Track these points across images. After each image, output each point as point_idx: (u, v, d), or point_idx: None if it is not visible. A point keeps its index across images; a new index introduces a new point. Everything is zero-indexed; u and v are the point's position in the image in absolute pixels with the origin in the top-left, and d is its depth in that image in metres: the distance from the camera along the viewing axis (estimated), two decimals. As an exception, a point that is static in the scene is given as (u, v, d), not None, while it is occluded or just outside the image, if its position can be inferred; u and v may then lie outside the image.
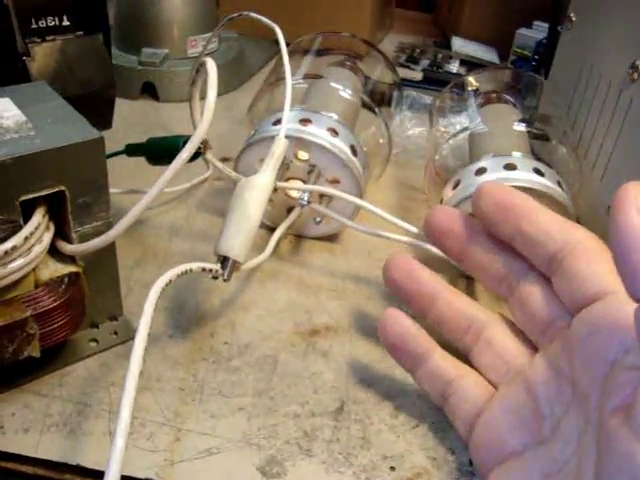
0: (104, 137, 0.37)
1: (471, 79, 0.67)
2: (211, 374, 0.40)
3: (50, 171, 0.35)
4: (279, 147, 0.41)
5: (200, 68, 0.40)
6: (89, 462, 0.35)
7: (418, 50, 1.04)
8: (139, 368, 0.30)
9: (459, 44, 1.05)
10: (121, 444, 0.28)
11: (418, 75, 0.95)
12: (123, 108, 0.73)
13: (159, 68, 0.76)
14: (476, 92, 0.66)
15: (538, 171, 0.48)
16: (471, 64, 1.00)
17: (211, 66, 0.38)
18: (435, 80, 0.92)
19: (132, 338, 0.42)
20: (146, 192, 0.36)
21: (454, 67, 0.99)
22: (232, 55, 0.83)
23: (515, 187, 0.46)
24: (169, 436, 0.36)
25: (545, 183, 0.47)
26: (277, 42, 0.46)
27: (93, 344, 0.41)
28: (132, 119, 0.72)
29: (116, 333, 0.42)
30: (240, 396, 0.39)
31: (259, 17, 0.47)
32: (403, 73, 0.92)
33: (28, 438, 0.35)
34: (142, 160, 0.49)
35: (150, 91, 0.77)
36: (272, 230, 0.49)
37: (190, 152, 0.37)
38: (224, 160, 0.62)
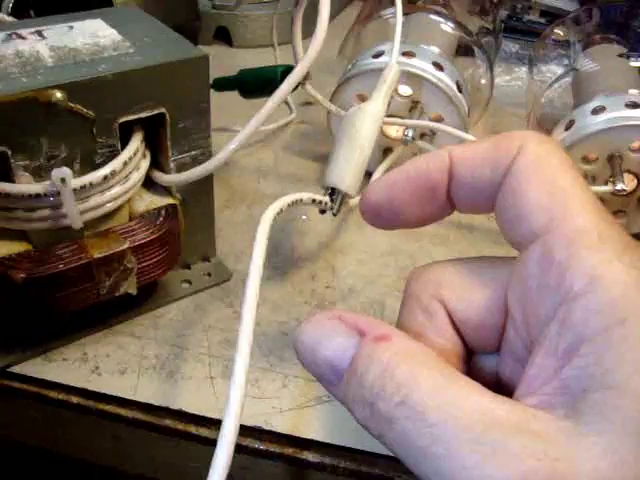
0: (209, 59, 0.34)
1: (569, 23, 0.63)
2: (315, 319, 0.37)
3: (151, 90, 0.32)
4: (391, 73, 0.37)
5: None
6: (191, 407, 0.32)
7: (496, 0, 0.99)
8: (256, 299, 0.27)
9: (538, -6, 1.00)
10: (241, 382, 0.24)
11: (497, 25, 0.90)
12: (196, 53, 0.70)
13: (233, 12, 0.72)
14: (577, 39, 0.62)
15: (663, 110, 0.43)
16: (551, 14, 0.94)
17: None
18: (516, 30, 0.87)
19: (226, 280, 0.40)
20: (237, 130, 0.34)
21: (534, 17, 0.94)
22: (310, 2, 0.79)
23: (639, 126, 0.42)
24: (275, 382, 0.33)
25: (673, 123, 0.43)
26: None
27: (186, 285, 0.39)
28: (206, 65, 0.69)
29: (209, 274, 0.40)
30: (347, 342, 0.36)
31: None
32: (480, 23, 0.88)
33: (125, 380, 0.33)
34: (226, 98, 0.46)
35: (224, 36, 0.74)
36: (367, 175, 0.46)
37: (298, 78, 0.34)
38: (305, 105, 0.59)
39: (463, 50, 0.54)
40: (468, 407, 0.18)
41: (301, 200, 0.32)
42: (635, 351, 0.18)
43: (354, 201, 0.39)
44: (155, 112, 0.33)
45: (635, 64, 0.49)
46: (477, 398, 0.18)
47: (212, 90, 0.47)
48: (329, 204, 0.34)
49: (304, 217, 0.44)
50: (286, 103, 0.59)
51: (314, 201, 0.33)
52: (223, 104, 0.47)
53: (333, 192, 0.34)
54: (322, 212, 0.34)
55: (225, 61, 0.71)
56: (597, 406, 0.18)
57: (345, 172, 0.34)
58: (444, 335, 0.23)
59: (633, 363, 0.18)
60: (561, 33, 0.66)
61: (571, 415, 0.18)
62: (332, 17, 0.87)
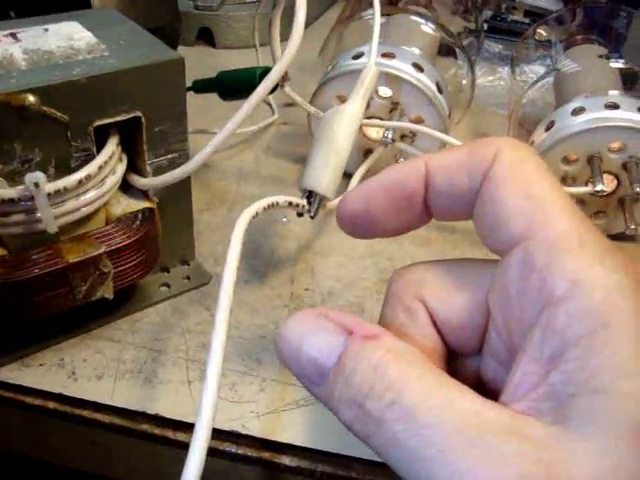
0: (184, 60, 0.34)
1: (551, 23, 0.63)
2: (293, 322, 0.37)
3: (126, 94, 0.32)
4: (369, 74, 0.37)
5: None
6: (168, 412, 0.32)
7: (480, 1, 0.99)
8: (230, 304, 0.27)
9: (523, -6, 1.00)
10: (214, 387, 0.24)
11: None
12: (179, 54, 0.70)
13: (216, 13, 0.72)
14: (558, 39, 0.62)
15: (642, 110, 0.43)
16: (535, 14, 0.95)
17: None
18: (499, 30, 0.87)
19: (205, 283, 0.39)
20: (215, 132, 0.33)
21: (518, 17, 0.94)
22: (290, 3, 0.79)
23: (618, 127, 0.43)
24: (253, 386, 0.33)
25: (652, 124, 0.43)
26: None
27: (164, 289, 0.39)
28: (188, 66, 0.68)
29: (188, 278, 0.39)
30: (326, 345, 0.36)
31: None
32: (465, 24, 0.88)
33: (102, 385, 0.33)
34: (206, 100, 0.46)
35: (207, 37, 0.74)
36: (348, 176, 0.46)
37: (275, 79, 0.34)
38: (287, 106, 0.59)
39: (445, 51, 0.54)
40: (461, 409, 0.18)
41: (277, 203, 0.32)
42: (619, 355, 0.18)
43: (333, 203, 0.39)
44: (131, 116, 0.32)
45: (615, 65, 0.49)
46: (468, 401, 0.18)
47: (192, 92, 0.47)
48: (306, 207, 0.34)
49: (285, 219, 0.44)
50: (268, 104, 0.59)
51: (291, 204, 0.33)
52: (203, 106, 0.47)
53: (310, 195, 0.34)
54: (299, 215, 0.34)
55: (208, 62, 0.71)
56: (585, 411, 0.18)
57: (322, 175, 0.34)
58: (425, 335, 0.23)
59: (618, 367, 0.18)
60: (544, 33, 0.66)
61: (559, 421, 0.18)
62: (315, 18, 0.87)
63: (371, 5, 0.51)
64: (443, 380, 0.19)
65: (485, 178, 0.22)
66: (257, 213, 0.30)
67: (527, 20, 0.93)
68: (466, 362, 0.24)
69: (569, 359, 0.18)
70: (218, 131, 0.34)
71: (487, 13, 0.94)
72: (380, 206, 0.24)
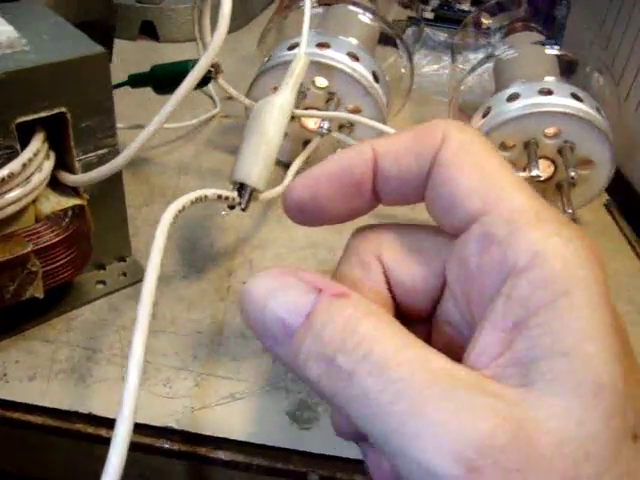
0: (107, 54, 0.33)
1: (491, 10, 0.63)
2: (230, 315, 0.37)
3: (48, 89, 0.31)
4: (299, 64, 0.37)
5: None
6: (102, 410, 0.32)
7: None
8: (152, 298, 0.26)
9: (470, -17, 1.00)
10: (134, 382, 0.24)
11: (429, 15, 0.90)
12: (121, 49, 0.68)
13: (159, 5, 0.71)
14: (498, 26, 0.62)
15: (576, 96, 0.44)
16: (482, 3, 0.95)
17: (224, -27, 0.34)
18: (447, 19, 0.88)
19: (142, 279, 0.39)
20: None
21: (465, 6, 0.94)
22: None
23: (552, 112, 0.43)
24: (187, 381, 0.33)
25: (584, 109, 0.43)
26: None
27: (100, 286, 0.38)
28: (131, 60, 0.68)
29: (124, 274, 0.39)
30: (263, 338, 0.36)
31: None
32: (413, 13, 0.88)
33: (34, 386, 0.32)
34: (147, 95, 0.46)
35: (150, 31, 0.73)
36: (287, 167, 0.45)
37: (201, 72, 0.34)
38: (230, 99, 0.59)
39: (385, 40, 0.54)
40: (432, 366, 0.18)
41: (206, 197, 0.32)
42: (581, 319, 0.19)
43: (269, 194, 0.38)
44: (54, 112, 0.32)
45: (551, 52, 0.50)
46: (439, 358, 0.19)
47: (129, 87, 0.46)
48: (237, 199, 0.34)
49: (224, 212, 0.44)
50: (210, 97, 0.58)
51: (220, 197, 0.32)
52: (143, 100, 0.46)
53: (242, 187, 0.34)
54: (231, 207, 0.34)
55: (151, 56, 0.70)
56: (550, 373, 0.18)
57: (253, 167, 0.34)
58: (378, 292, 0.24)
59: (580, 330, 0.19)
60: (485, 21, 0.67)
61: (525, 383, 0.18)
62: (262, 9, 0.87)
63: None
64: (413, 339, 0.19)
65: (434, 161, 0.22)
66: (184, 207, 0.30)
67: (474, 8, 0.94)
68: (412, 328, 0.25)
69: (533, 326, 0.19)
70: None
71: (435, 2, 0.95)
72: (327, 193, 0.24)
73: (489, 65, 0.54)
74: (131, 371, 0.23)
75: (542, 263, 0.20)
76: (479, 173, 0.21)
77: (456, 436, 0.17)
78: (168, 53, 0.70)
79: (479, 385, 0.18)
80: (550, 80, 0.46)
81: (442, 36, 0.78)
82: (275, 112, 0.35)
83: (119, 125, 0.46)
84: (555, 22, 0.65)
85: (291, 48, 0.45)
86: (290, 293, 0.20)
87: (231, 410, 0.32)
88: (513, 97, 0.45)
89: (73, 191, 0.35)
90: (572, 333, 0.19)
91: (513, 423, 0.17)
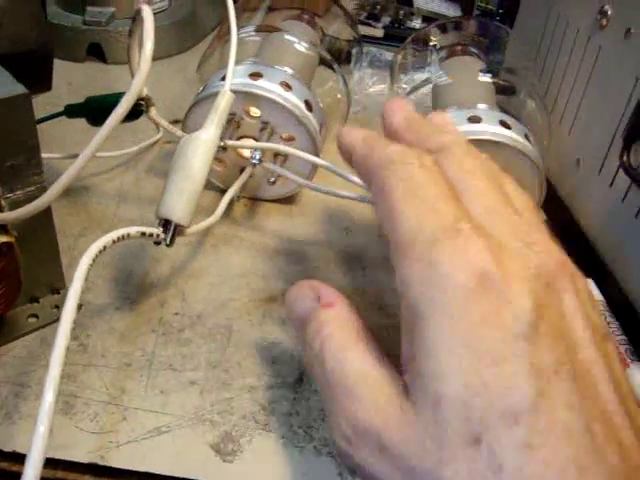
0: (30, 94, 0.33)
1: (433, 31, 0.64)
2: (160, 347, 0.37)
3: (-32, 131, 0.31)
4: (223, 100, 0.37)
5: (137, 17, 0.37)
6: (27, 448, 0.32)
7: (379, 7, 1.00)
8: (66, 342, 0.27)
9: (421, 0, 1.02)
10: (43, 431, 0.25)
11: (379, 32, 0.92)
12: (68, 71, 0.69)
13: (105, 28, 0.71)
14: (439, 47, 0.63)
15: (504, 123, 0.45)
16: (434, 21, 0.96)
17: (147, 13, 0.35)
18: (397, 37, 0.89)
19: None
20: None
21: (416, 24, 0.96)
22: (183, 14, 0.79)
23: (480, 140, 0.44)
24: (115, 416, 0.33)
25: (512, 136, 0.44)
26: (230, -1, 0.42)
27: (33, 320, 0.38)
28: (78, 83, 0.68)
29: (57, 307, 0.39)
30: (192, 370, 0.36)
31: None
32: (364, 31, 0.88)
33: (-42, 424, 0.32)
34: (87, 123, 0.46)
35: (97, 53, 0.73)
36: (224, 192, 0.46)
37: (126, 108, 0.34)
38: (176, 122, 0.59)
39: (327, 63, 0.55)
40: (353, 365, 0.27)
41: (128, 235, 0.32)
42: (430, 340, 0.24)
43: (199, 226, 0.39)
44: (-24, 152, 0.32)
45: (483, 79, 0.51)
46: (363, 360, 0.27)
47: (66, 117, 0.47)
48: (161, 235, 0.34)
49: (159, 242, 0.44)
50: (154, 122, 0.59)
51: (144, 234, 0.33)
52: (81, 129, 0.46)
53: (167, 223, 0.35)
54: (157, 244, 0.35)
55: (98, 78, 0.70)
56: (412, 387, 0.24)
57: (177, 203, 0.34)
58: None
59: (428, 351, 0.24)
60: (433, 38, 0.67)
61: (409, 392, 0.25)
62: (212, 28, 0.87)
63: (249, 22, 0.52)
64: (354, 342, 0.28)
65: None
66: (105, 247, 0.31)
67: (425, 26, 0.95)
68: None
69: (405, 346, 0.26)
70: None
71: (386, 20, 0.96)
72: None
73: (429, 86, 0.55)
74: (42, 410, 0.24)
75: (407, 290, 0.25)
76: None
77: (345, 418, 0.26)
78: (116, 75, 0.71)
79: (384, 383, 0.26)
80: (481, 107, 0.47)
81: (390, 55, 0.79)
82: (200, 149, 0.36)
83: (56, 155, 0.47)
84: (499, 44, 0.66)
85: (224, 78, 0.45)
86: (304, 301, 0.32)
87: (156, 444, 0.32)
88: (443, 124, 0.46)
89: (1, 228, 0.35)
90: (422, 353, 0.24)
91: (399, 413, 0.24)
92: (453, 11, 1.00)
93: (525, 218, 0.28)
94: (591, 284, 0.45)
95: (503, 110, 0.48)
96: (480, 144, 0.44)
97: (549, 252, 0.26)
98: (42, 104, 0.33)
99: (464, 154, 0.30)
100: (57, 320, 0.38)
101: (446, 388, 0.23)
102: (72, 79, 0.68)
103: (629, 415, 0.23)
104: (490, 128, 0.44)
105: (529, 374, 0.22)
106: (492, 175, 0.30)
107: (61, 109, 0.47)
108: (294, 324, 0.32)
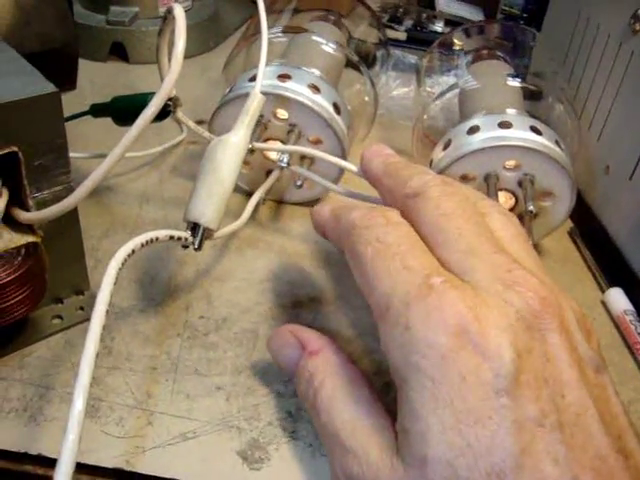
0: (60, 93, 0.33)
1: (459, 35, 0.64)
2: (186, 351, 0.37)
3: (-1, 129, 0.31)
4: (254, 103, 0.37)
5: (168, 16, 0.37)
6: (52, 451, 0.31)
7: (401, 10, 1.00)
8: (95, 349, 0.27)
9: (443, 3, 1.01)
10: (74, 436, 0.25)
11: (402, 36, 0.91)
12: (91, 70, 0.69)
13: (128, 27, 0.71)
14: (465, 50, 0.63)
15: (535, 129, 0.44)
16: (456, 24, 0.96)
17: (179, 12, 0.34)
18: (419, 40, 0.88)
19: (99, 315, 0.39)
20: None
21: (439, 27, 0.95)
22: (207, 14, 0.79)
23: (511, 146, 0.43)
24: (140, 420, 0.33)
25: (543, 142, 0.44)
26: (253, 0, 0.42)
27: (57, 321, 0.38)
28: (101, 82, 0.68)
29: (82, 308, 0.39)
30: (218, 375, 0.36)
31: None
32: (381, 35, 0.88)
33: (-17, 426, 0.32)
34: (111, 123, 0.46)
35: (120, 52, 0.73)
36: (250, 195, 0.46)
37: (157, 108, 0.34)
38: (200, 123, 0.58)
39: (354, 63, 0.54)
40: (345, 416, 0.28)
41: (157, 238, 0.32)
42: (412, 402, 0.24)
43: (226, 229, 0.39)
44: (6, 151, 0.32)
45: (512, 84, 0.50)
46: (354, 411, 0.28)
47: (91, 116, 0.46)
48: (190, 239, 0.34)
49: (184, 244, 0.44)
50: (180, 123, 0.58)
51: (172, 238, 0.33)
52: (107, 128, 0.46)
53: (195, 226, 0.34)
54: (185, 247, 0.34)
55: (121, 78, 0.70)
56: (400, 443, 0.25)
57: (206, 206, 0.34)
58: None
59: (411, 412, 0.24)
60: (457, 42, 0.67)
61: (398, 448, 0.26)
62: (236, 28, 0.87)
63: (276, 23, 0.51)
64: (348, 392, 0.29)
65: None
66: (133, 251, 0.30)
67: (448, 30, 0.94)
68: None
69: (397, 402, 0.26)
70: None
71: (408, 23, 0.96)
72: None
73: (456, 91, 0.54)
74: (71, 417, 0.24)
75: (389, 355, 0.26)
76: None
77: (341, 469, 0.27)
78: (138, 74, 0.71)
79: (372, 434, 0.27)
80: (511, 112, 0.46)
81: (413, 58, 0.78)
82: (229, 152, 0.35)
83: (81, 155, 0.47)
84: (525, 50, 0.66)
85: (252, 79, 0.45)
86: (287, 350, 0.32)
87: (182, 450, 0.32)
88: (473, 130, 0.45)
89: (27, 228, 0.35)
90: (407, 414, 0.25)
91: (390, 464, 0.25)
92: (476, 14, 1.00)
93: (506, 253, 0.27)
94: (619, 293, 0.45)
95: (532, 115, 0.47)
96: (511, 150, 0.43)
97: (532, 289, 0.25)
98: (65, 103, 0.32)
99: (440, 195, 0.30)
100: (81, 322, 0.38)
101: (430, 449, 0.23)
102: (95, 78, 0.68)
103: (624, 454, 0.23)
104: (521, 134, 0.44)
105: (512, 431, 0.22)
106: (472, 210, 0.30)
107: (84, 108, 0.47)
108: (283, 371, 0.33)
